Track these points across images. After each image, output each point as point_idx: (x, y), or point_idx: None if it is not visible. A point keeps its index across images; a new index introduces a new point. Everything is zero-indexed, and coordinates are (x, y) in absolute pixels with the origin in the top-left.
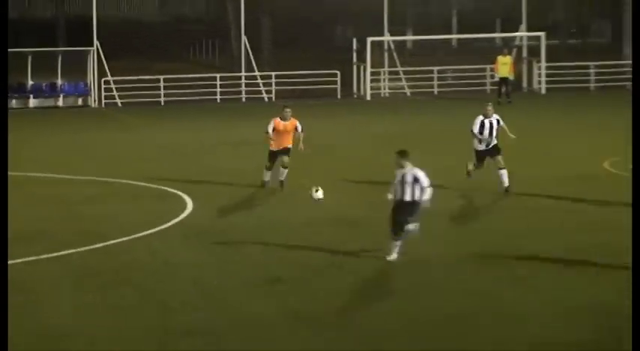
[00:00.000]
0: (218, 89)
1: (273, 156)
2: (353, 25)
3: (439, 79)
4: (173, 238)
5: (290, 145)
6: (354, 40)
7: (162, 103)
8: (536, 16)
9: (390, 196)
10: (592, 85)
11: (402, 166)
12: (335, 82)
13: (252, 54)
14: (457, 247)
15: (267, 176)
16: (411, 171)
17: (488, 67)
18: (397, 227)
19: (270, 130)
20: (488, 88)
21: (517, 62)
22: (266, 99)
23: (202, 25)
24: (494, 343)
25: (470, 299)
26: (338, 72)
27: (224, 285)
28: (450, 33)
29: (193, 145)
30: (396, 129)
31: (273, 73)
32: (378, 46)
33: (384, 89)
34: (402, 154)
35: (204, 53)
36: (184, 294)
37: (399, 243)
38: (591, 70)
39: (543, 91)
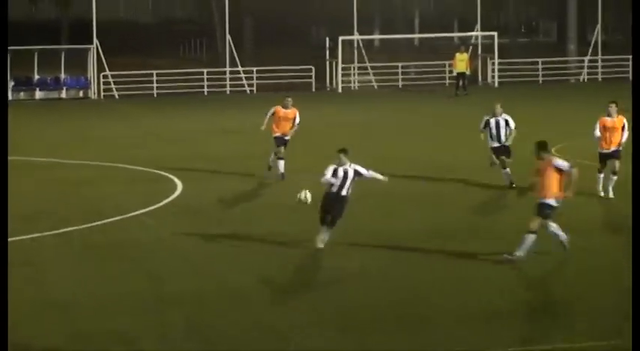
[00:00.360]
0: (205, 83)
1: (278, 141)
2: (326, 26)
3: (403, 73)
4: (165, 216)
5: (288, 137)
6: (327, 39)
7: (155, 95)
8: (490, 18)
9: (324, 180)
10: (540, 79)
11: (342, 163)
12: (310, 77)
13: (236, 51)
14: (420, 226)
15: (282, 167)
16: (352, 167)
17: (446, 63)
18: (331, 222)
19: (269, 114)
20: (447, 81)
21: (473, 59)
22: (248, 91)
23: (191, 26)
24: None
25: (436, 270)
26: (313, 67)
27: (210, 258)
28: (412, 33)
29: (183, 132)
30: (365, 117)
31: (254, 68)
32: (348, 44)
33: (354, 83)
34: (345, 151)
35: (192, 50)
36: (175, 266)
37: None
38: (539, 66)
39: (496, 85)
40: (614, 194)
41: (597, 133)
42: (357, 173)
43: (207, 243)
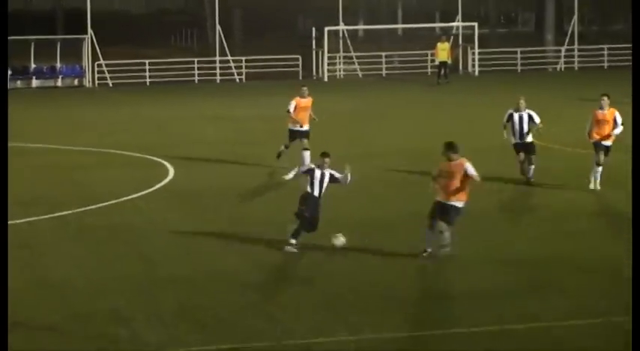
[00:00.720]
0: (196, 71)
1: (293, 134)
2: (312, 16)
3: (387, 62)
4: (157, 200)
5: (308, 127)
6: (314, 29)
7: (148, 84)
8: (470, 8)
9: (288, 177)
10: (518, 68)
11: (324, 167)
12: (297, 66)
13: (226, 41)
14: (404, 212)
15: (282, 148)
16: (329, 171)
17: (428, 52)
18: (314, 227)
19: (291, 109)
20: (429, 70)
21: (454, 48)
22: (237, 80)
23: (182, 17)
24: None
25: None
26: (299, 56)
27: (201, 242)
28: (395, 23)
29: (175, 119)
30: (351, 105)
31: (243, 58)
32: (334, 35)
33: (340, 71)
34: (329, 156)
35: (184, 40)
36: (166, 249)
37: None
38: (517, 55)
39: (476, 74)
40: (595, 186)
41: (590, 125)
42: (332, 178)
43: (198, 227)
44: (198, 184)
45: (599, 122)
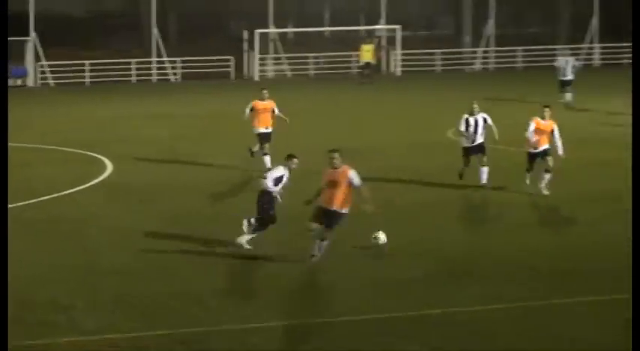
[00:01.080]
0: (133, 72)
1: (262, 137)
2: (245, 19)
3: (314, 63)
4: (96, 194)
5: (271, 130)
6: (245, 32)
7: (88, 84)
8: (393, 12)
9: (277, 190)
10: (438, 68)
11: (291, 168)
12: (229, 66)
13: (162, 43)
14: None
15: (268, 163)
16: (287, 174)
17: (354, 53)
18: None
19: (247, 110)
20: (354, 70)
21: (377, 50)
22: (173, 80)
23: (122, 20)
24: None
25: None
26: (232, 57)
27: (137, 233)
28: (323, 26)
29: (113, 117)
30: (280, 103)
31: (178, 59)
32: (264, 37)
33: (270, 72)
34: (295, 156)
35: (122, 42)
36: (105, 240)
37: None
38: (437, 57)
39: (399, 74)
40: (548, 191)
41: (531, 132)
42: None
43: (134, 220)
44: (134, 180)
45: (538, 132)
